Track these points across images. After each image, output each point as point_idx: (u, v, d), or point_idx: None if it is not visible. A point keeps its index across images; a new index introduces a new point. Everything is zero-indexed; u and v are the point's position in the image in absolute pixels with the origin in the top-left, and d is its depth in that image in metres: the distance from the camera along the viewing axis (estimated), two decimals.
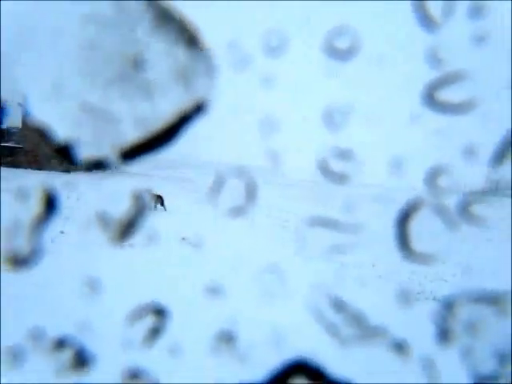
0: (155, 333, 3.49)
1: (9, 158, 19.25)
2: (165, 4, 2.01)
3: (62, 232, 7.06)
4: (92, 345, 3.22)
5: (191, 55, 2.06)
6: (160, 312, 3.66)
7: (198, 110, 2.13)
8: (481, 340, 3.04)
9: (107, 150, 2.09)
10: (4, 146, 21.49)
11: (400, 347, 3.31)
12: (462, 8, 3.90)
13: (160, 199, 12.47)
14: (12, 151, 19.98)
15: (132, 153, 2.12)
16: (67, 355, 3.19)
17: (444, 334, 3.22)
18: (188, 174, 15.38)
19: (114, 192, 7.51)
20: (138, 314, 3.64)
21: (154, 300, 3.80)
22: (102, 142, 2.12)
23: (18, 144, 21.01)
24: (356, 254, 5.51)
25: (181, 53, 2.07)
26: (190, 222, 7.84)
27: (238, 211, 7.30)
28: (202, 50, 2.09)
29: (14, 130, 24.65)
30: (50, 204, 2.88)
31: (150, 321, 3.61)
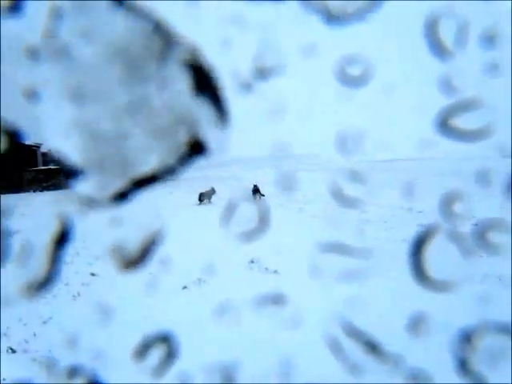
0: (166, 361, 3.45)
1: (49, 181, 19.55)
2: (170, 30, 2.05)
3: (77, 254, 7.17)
4: (104, 373, 3.20)
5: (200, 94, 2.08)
6: (169, 339, 3.64)
7: (199, 149, 2.14)
8: (500, 371, 2.95)
9: (118, 181, 2.12)
10: (43, 169, 21.91)
11: (416, 377, 3.23)
12: (474, 36, 3.95)
13: (258, 191, 14.14)
14: (51, 173, 20.29)
15: (140, 184, 2.14)
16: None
17: (461, 364, 3.14)
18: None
19: (126, 218, 7.58)
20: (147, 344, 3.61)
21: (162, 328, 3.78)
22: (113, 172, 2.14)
23: (57, 165, 21.36)
24: (369, 279, 5.44)
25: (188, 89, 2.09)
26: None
27: (249, 235, 7.26)
28: (212, 83, 2.11)
29: (51, 152, 25.13)
30: (65, 232, 2.90)
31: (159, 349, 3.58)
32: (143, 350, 3.62)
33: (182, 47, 2.02)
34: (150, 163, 2.07)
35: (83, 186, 2.06)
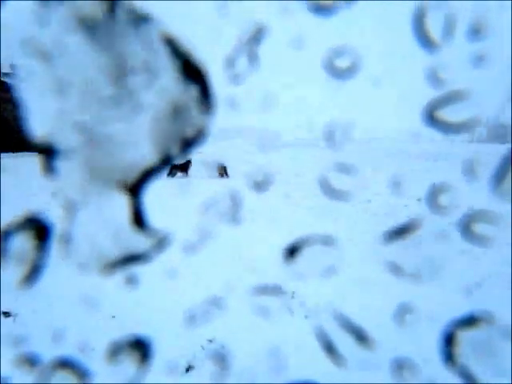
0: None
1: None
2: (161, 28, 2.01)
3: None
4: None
5: (188, 85, 2.05)
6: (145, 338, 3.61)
7: (196, 137, 2.12)
8: (485, 362, 3.00)
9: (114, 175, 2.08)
10: None
11: (401, 367, 3.27)
12: (461, 28, 3.96)
13: (224, 169, 15.05)
14: None
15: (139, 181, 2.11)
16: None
17: (447, 355, 3.18)
18: None
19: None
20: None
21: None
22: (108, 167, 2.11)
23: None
24: (355, 272, 5.48)
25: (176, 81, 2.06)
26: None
27: (232, 222, 7.22)
28: (199, 75, 2.08)
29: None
30: (44, 232, 2.80)
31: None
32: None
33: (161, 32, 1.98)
34: (147, 155, 2.05)
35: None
